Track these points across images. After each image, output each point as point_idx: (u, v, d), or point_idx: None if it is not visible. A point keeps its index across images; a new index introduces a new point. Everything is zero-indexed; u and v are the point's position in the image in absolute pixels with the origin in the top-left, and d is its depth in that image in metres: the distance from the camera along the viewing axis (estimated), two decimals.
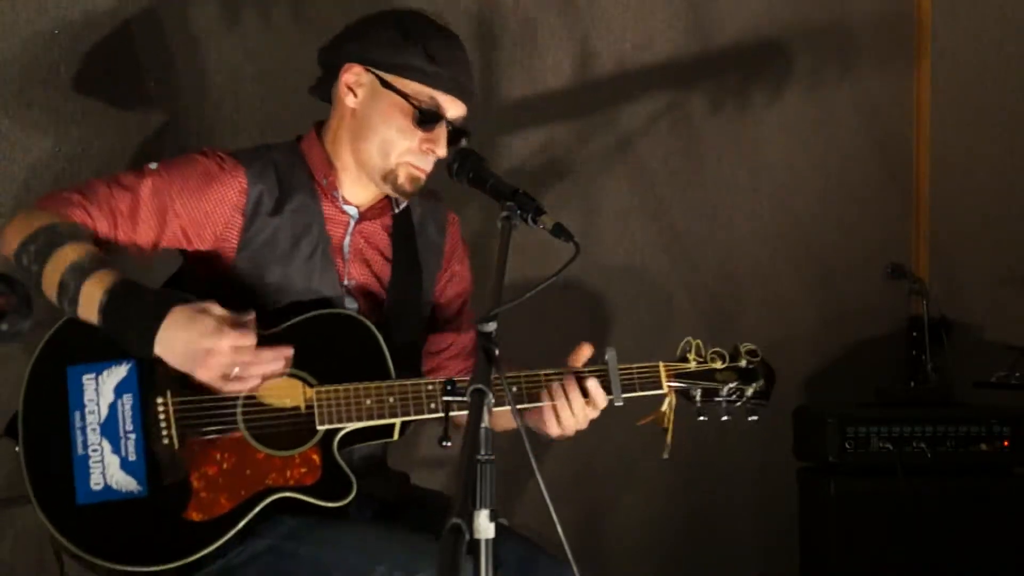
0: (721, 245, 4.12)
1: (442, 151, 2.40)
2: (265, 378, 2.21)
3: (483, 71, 3.57)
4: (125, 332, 2.18)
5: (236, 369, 2.16)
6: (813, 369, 4.28)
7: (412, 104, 2.36)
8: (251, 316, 2.22)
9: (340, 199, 2.46)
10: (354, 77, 2.41)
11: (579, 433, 2.41)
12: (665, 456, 2.39)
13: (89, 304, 2.18)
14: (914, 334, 4.08)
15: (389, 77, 2.38)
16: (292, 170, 2.44)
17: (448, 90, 2.38)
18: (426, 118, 2.37)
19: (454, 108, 2.41)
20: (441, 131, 2.40)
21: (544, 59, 3.70)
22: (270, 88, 3.13)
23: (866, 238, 4.35)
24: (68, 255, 2.19)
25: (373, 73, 2.39)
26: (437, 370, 2.62)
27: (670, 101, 3.97)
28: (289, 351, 2.23)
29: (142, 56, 2.95)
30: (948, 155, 4.39)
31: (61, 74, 2.82)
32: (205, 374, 2.17)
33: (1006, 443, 3.70)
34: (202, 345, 2.15)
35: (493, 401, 1.79)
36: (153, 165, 2.37)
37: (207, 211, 2.36)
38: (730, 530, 4.14)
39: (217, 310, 2.18)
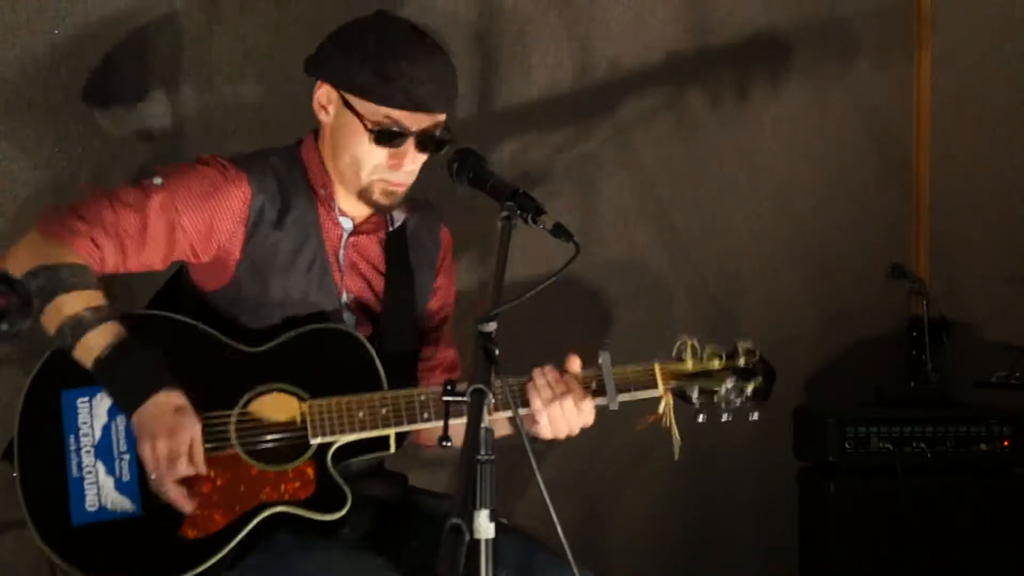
0: (721, 245, 4.11)
1: (410, 166, 2.38)
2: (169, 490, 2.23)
3: (482, 71, 3.57)
4: (113, 392, 2.23)
5: (177, 464, 2.19)
6: (813, 369, 4.28)
7: (365, 125, 2.34)
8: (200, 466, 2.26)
9: (336, 210, 2.45)
10: (325, 95, 2.40)
11: (579, 433, 2.41)
12: (676, 456, 2.38)
13: (86, 355, 2.20)
14: (914, 334, 4.08)
15: (348, 97, 2.36)
16: (291, 178, 2.43)
17: (402, 107, 2.33)
18: (382, 138, 2.34)
19: (417, 121, 2.36)
20: (407, 146, 2.36)
21: (543, 59, 3.70)
22: (270, 88, 3.12)
23: (866, 238, 4.35)
24: (68, 305, 2.19)
25: (337, 92, 2.38)
26: (419, 382, 2.60)
27: (670, 101, 3.96)
28: (190, 505, 2.25)
29: (142, 56, 2.95)
30: (948, 155, 4.39)
31: (61, 75, 2.82)
32: (149, 445, 2.19)
33: (1006, 443, 3.70)
34: (167, 423, 2.18)
35: (493, 401, 1.79)
36: (157, 180, 2.34)
37: (212, 223, 2.35)
38: (730, 530, 4.14)
39: (198, 420, 2.22)
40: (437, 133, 2.40)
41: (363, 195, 2.41)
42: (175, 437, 2.19)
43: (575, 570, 2.02)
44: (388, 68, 2.31)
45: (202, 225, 2.34)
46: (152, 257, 2.33)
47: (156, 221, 2.31)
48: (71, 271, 2.21)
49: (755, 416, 2.44)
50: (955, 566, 3.65)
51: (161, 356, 2.23)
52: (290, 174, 2.43)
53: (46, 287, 2.18)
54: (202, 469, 2.22)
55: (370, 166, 2.37)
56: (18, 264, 2.21)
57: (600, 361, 2.36)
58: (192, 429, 2.21)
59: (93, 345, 2.19)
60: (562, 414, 2.32)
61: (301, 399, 2.31)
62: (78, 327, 2.19)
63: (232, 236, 2.37)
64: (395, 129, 2.34)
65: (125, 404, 2.22)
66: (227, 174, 2.37)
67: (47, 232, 2.26)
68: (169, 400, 2.20)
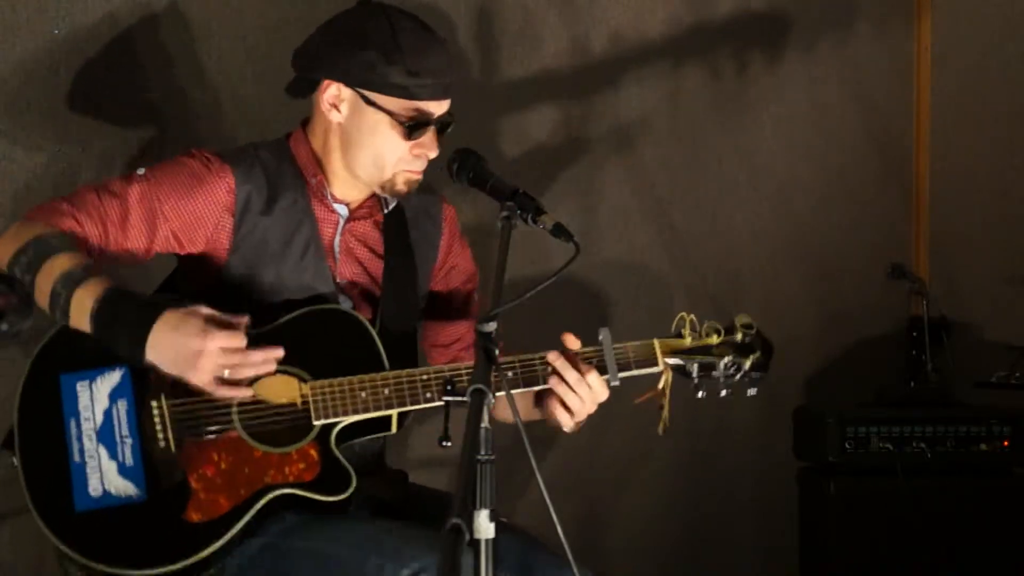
0: (721, 245, 4.12)
1: (434, 153, 2.41)
2: (254, 380, 2.22)
3: (482, 67, 3.57)
4: (116, 339, 2.19)
5: (226, 372, 2.18)
6: (813, 369, 4.28)
7: (398, 120, 2.35)
8: (244, 318, 2.23)
9: (330, 197, 2.46)
10: (336, 92, 2.39)
11: (580, 432, 2.41)
12: (661, 432, 2.38)
13: (80, 312, 2.18)
14: (914, 334, 4.08)
15: (371, 95, 2.36)
16: (280, 168, 2.45)
17: (431, 97, 2.37)
18: (415, 130, 2.36)
19: (439, 108, 2.40)
20: (430, 134, 2.39)
21: (543, 56, 3.70)
22: (270, 88, 3.12)
23: (866, 238, 4.35)
24: (58, 265, 2.19)
25: (354, 90, 2.37)
26: (455, 362, 2.61)
27: (670, 99, 3.97)
28: (279, 352, 2.25)
29: (142, 56, 2.95)
30: (948, 155, 4.40)
31: (61, 74, 2.82)
32: (196, 377, 2.18)
33: (1006, 443, 3.70)
34: (190, 347, 2.16)
35: (493, 401, 1.79)
36: (141, 170, 2.37)
37: (196, 214, 2.36)
38: (730, 530, 4.14)
39: (205, 311, 2.20)
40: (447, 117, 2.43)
41: (385, 187, 2.43)
42: (201, 356, 2.15)
43: (575, 570, 2.02)
44: (412, 62, 2.33)
45: (186, 215, 2.36)
46: (135, 245, 2.34)
47: (137, 209, 2.32)
48: (58, 238, 2.23)
49: (753, 392, 2.44)
50: (955, 566, 3.65)
51: (145, 300, 2.22)
52: (279, 166, 2.45)
53: (35, 257, 2.20)
54: (242, 339, 2.19)
55: (394, 159, 2.39)
56: (7, 247, 2.23)
57: (600, 338, 2.38)
58: (206, 335, 2.15)
59: (85, 301, 2.17)
60: (582, 403, 2.34)
61: (303, 380, 2.32)
62: (70, 282, 2.17)
63: (219, 226, 2.38)
64: (424, 120, 2.37)
65: (128, 357, 2.20)
66: (211, 166, 2.39)
67: (34, 216, 2.30)
68: (166, 327, 2.16)
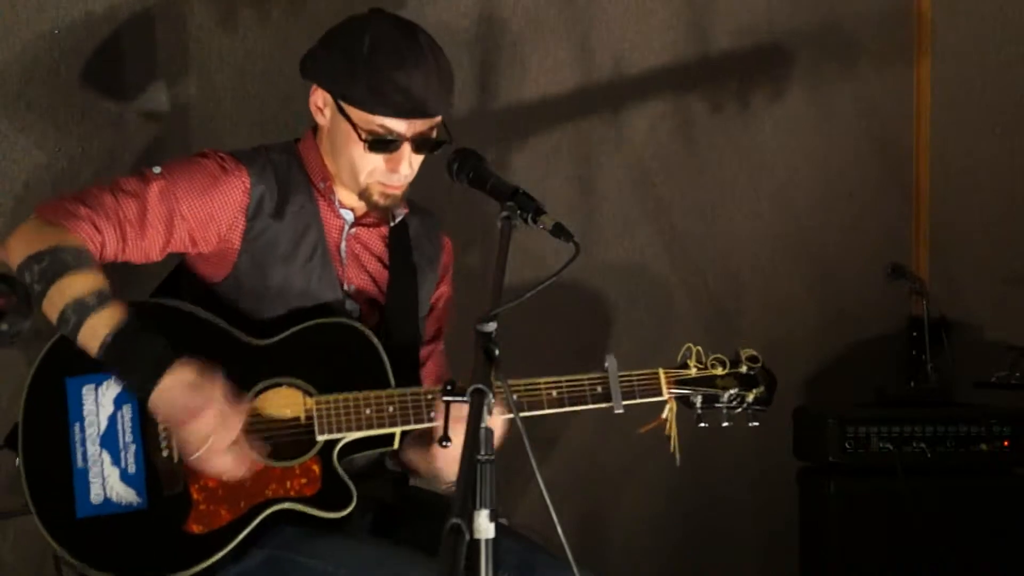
0: (721, 245, 4.11)
1: (406, 171, 2.39)
2: (223, 469, 2.21)
3: (482, 72, 3.57)
4: (124, 375, 2.19)
5: (211, 439, 2.16)
6: (813, 369, 4.28)
7: (358, 134, 2.35)
8: (248, 397, 2.23)
9: (337, 202, 2.47)
10: (321, 98, 2.41)
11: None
12: (678, 462, 2.39)
13: (90, 339, 2.17)
14: (914, 334, 4.08)
15: (342, 104, 2.36)
16: (289, 171, 2.45)
17: (395, 115, 2.34)
18: (376, 146, 2.35)
19: (412, 127, 2.36)
20: (401, 152, 2.37)
21: (544, 59, 3.70)
22: (270, 88, 3.13)
23: (866, 238, 4.35)
24: (72, 287, 2.17)
25: (332, 97, 2.38)
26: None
27: (670, 101, 3.96)
28: (249, 464, 2.23)
29: (142, 56, 2.95)
30: (948, 155, 4.39)
31: (61, 74, 2.82)
32: (185, 434, 2.16)
33: (1006, 443, 3.70)
34: (192, 403, 2.15)
35: (493, 401, 1.79)
36: (156, 169, 2.35)
37: (212, 213, 2.35)
38: (730, 530, 4.14)
39: (219, 378, 2.18)
40: (433, 135, 2.40)
41: (363, 196, 2.43)
42: (199, 418, 2.15)
43: (575, 571, 2.02)
44: (379, 79, 2.32)
45: (202, 214, 2.35)
46: (151, 245, 2.33)
47: (156, 208, 2.31)
48: (74, 253, 2.20)
49: (755, 424, 2.46)
50: (955, 566, 3.65)
51: (165, 340, 2.20)
52: (289, 168, 2.45)
53: (49, 269, 2.17)
54: (241, 417, 2.19)
55: (367, 170, 2.39)
56: (21, 248, 2.21)
57: (606, 365, 2.37)
58: (213, 406, 2.16)
59: (98, 329, 2.16)
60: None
61: (308, 394, 2.31)
62: (82, 309, 2.16)
63: (232, 226, 2.38)
64: (389, 137, 2.35)
65: (136, 389, 2.20)
66: (226, 166, 2.38)
67: (48, 217, 2.26)
68: (182, 378, 2.16)
